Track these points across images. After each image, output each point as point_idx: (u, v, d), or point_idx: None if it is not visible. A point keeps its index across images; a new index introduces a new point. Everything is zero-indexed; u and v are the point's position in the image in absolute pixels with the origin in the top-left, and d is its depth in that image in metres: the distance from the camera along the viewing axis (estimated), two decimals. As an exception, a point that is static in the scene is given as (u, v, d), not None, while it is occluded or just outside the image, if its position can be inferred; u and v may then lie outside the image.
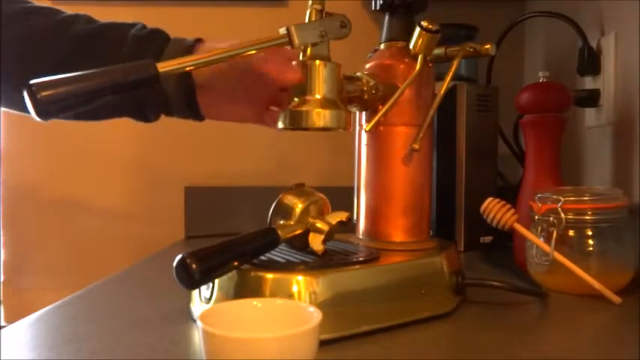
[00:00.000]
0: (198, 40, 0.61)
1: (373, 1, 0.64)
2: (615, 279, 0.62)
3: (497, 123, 0.96)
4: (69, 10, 0.65)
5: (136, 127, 0.70)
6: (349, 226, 0.55)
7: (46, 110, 0.45)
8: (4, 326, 0.56)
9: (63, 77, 0.46)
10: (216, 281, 0.49)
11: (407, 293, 0.53)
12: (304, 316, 0.38)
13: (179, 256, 0.43)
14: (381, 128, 0.60)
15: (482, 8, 1.16)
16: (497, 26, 0.95)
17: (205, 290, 0.51)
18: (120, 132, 0.73)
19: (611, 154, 0.82)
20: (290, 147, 1.14)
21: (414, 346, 0.47)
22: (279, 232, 0.50)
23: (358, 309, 0.49)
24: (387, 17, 0.63)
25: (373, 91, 0.58)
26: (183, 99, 0.63)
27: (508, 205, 0.64)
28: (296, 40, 0.53)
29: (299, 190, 0.54)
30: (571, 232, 0.64)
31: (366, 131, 0.60)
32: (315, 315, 0.37)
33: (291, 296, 0.47)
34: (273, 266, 0.50)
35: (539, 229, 0.65)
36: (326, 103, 0.54)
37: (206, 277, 0.45)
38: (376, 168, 0.61)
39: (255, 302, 0.41)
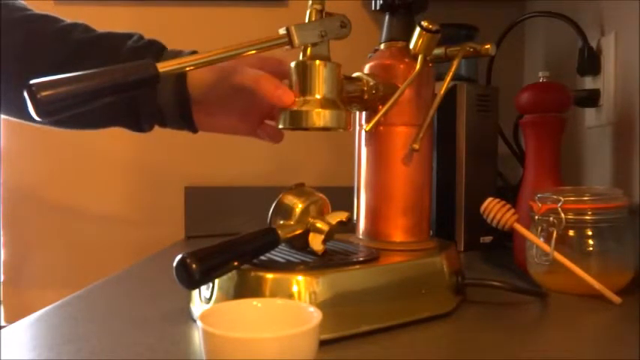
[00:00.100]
0: (195, 52, 0.61)
1: (373, 1, 0.64)
2: (615, 279, 0.62)
3: (497, 123, 0.96)
4: (71, 10, 0.65)
5: (136, 127, 0.70)
6: (349, 226, 0.55)
7: (46, 110, 0.45)
8: (4, 326, 0.56)
9: (63, 77, 0.46)
10: (216, 281, 0.49)
11: (407, 293, 0.53)
12: (304, 316, 0.38)
13: (179, 256, 0.43)
14: (381, 128, 0.60)
15: (482, 8, 1.16)
16: (497, 26, 0.95)
17: (205, 290, 0.51)
18: (120, 132, 0.72)
19: (611, 154, 0.82)
20: (290, 147, 1.14)
21: (414, 346, 0.47)
22: (279, 232, 0.50)
23: (358, 309, 0.49)
24: (387, 17, 0.63)
25: (373, 91, 0.58)
26: (178, 111, 0.64)
27: (508, 205, 0.64)
28: (296, 40, 0.53)
29: (299, 190, 0.54)
30: (571, 232, 0.64)
31: (366, 131, 0.60)
32: (315, 315, 0.37)
33: (291, 296, 0.47)
34: (273, 266, 0.50)
35: (539, 229, 0.65)
36: (326, 103, 0.54)
37: (206, 277, 0.45)
38: (376, 168, 0.61)
39: (255, 302, 0.41)
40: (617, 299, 0.59)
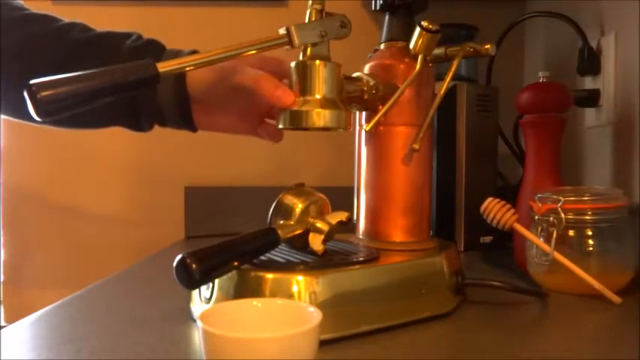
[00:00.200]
0: (194, 52, 0.61)
1: (373, 1, 0.64)
2: (615, 279, 0.62)
3: (497, 123, 0.96)
4: (69, 10, 0.65)
5: (136, 127, 0.70)
6: (349, 226, 0.55)
7: (46, 110, 0.45)
8: (4, 326, 0.56)
9: (63, 77, 0.46)
10: (216, 281, 0.49)
11: (407, 293, 0.53)
12: (304, 316, 0.38)
13: (179, 256, 0.43)
14: (381, 128, 0.60)
15: (482, 8, 1.16)
16: (497, 26, 0.95)
17: (205, 290, 0.51)
18: (120, 132, 0.72)
19: (611, 154, 0.82)
20: (290, 147, 1.14)
21: (414, 346, 0.47)
22: (279, 232, 0.50)
23: (358, 309, 0.49)
24: (387, 17, 0.63)
25: (373, 91, 0.58)
26: (178, 110, 0.64)
27: (508, 205, 0.64)
28: (296, 40, 0.53)
29: (299, 190, 0.54)
30: (571, 232, 0.64)
31: (366, 131, 0.60)
32: (315, 315, 0.37)
33: (291, 296, 0.47)
34: (273, 266, 0.50)
35: (539, 229, 0.65)
36: (326, 103, 0.54)
37: (206, 277, 0.45)
38: (376, 168, 0.61)
39: (255, 302, 0.41)
40: (617, 299, 0.59)
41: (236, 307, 0.41)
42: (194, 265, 0.43)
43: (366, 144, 0.62)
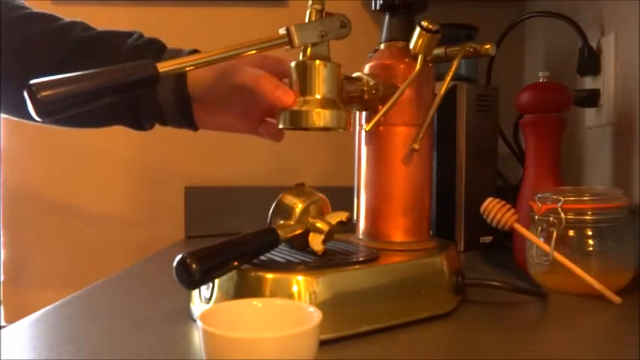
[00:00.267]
0: (195, 51, 0.61)
1: (373, 1, 0.64)
2: (615, 279, 0.62)
3: (497, 123, 0.96)
4: (70, 9, 0.65)
5: (136, 127, 0.70)
6: (349, 226, 0.55)
7: (46, 110, 0.45)
8: (4, 326, 0.56)
9: (63, 77, 0.46)
10: (216, 281, 0.49)
11: (407, 293, 0.53)
12: (304, 316, 0.38)
13: (179, 256, 0.43)
14: (381, 128, 0.60)
15: (482, 8, 1.16)
16: (497, 26, 0.95)
17: (205, 290, 0.51)
18: (120, 132, 0.73)
19: (611, 154, 0.82)
20: (290, 147, 1.14)
21: (414, 346, 0.47)
22: (279, 232, 0.50)
23: (358, 309, 0.49)
24: (387, 17, 0.63)
25: (373, 91, 0.58)
26: (178, 109, 0.64)
27: (508, 205, 0.64)
28: (296, 40, 0.53)
29: (299, 190, 0.54)
30: (571, 232, 0.64)
31: (366, 131, 0.60)
32: (315, 315, 0.37)
33: (291, 296, 0.47)
34: (273, 266, 0.50)
35: (539, 229, 0.65)
36: (326, 103, 0.54)
37: (206, 277, 0.45)
38: (376, 168, 0.61)
39: (255, 302, 0.41)
40: (617, 299, 0.59)
41: (236, 307, 0.41)
42: (194, 265, 0.43)
43: (366, 144, 0.62)
